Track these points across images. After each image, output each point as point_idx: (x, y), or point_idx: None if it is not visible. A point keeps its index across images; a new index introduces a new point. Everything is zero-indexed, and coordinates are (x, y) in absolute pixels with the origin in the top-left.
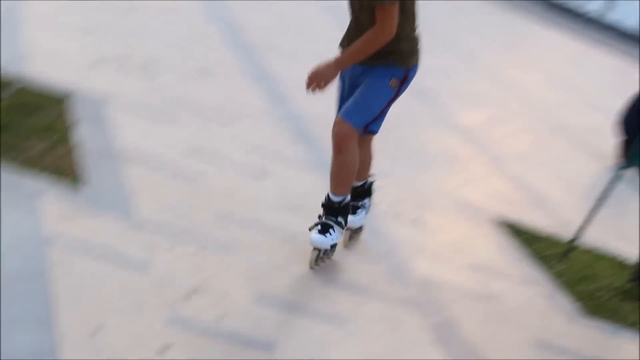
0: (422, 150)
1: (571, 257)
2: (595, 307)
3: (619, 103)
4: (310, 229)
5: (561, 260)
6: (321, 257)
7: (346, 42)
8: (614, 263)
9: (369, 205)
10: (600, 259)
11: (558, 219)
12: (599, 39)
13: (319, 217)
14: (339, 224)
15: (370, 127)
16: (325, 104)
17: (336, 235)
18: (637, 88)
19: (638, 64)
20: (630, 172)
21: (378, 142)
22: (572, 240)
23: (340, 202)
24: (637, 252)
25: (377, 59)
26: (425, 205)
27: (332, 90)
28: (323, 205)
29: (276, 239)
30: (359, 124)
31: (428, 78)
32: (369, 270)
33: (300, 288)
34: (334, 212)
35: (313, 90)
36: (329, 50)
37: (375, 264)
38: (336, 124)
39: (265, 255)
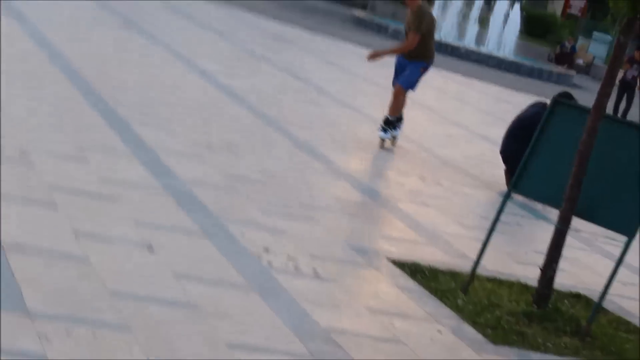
0: (312, 202)
1: (472, 288)
2: (502, 335)
3: (502, 130)
4: (378, 130)
5: (463, 292)
6: (383, 144)
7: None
8: (515, 288)
9: (401, 126)
10: (501, 285)
11: (455, 253)
12: (475, 71)
13: (381, 125)
14: (391, 129)
15: (411, 88)
16: (203, 170)
17: (389, 134)
18: (514, 116)
19: (514, 91)
20: (520, 198)
21: (269, 202)
22: (471, 272)
23: (393, 120)
24: (536, 274)
25: (414, 58)
26: (322, 255)
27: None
28: (384, 120)
29: (174, 312)
30: (405, 87)
31: (308, 128)
32: (270, 327)
33: (205, 353)
34: (390, 124)
35: (370, 60)
36: (203, 117)
37: (274, 320)
38: (395, 86)
39: (163, 330)
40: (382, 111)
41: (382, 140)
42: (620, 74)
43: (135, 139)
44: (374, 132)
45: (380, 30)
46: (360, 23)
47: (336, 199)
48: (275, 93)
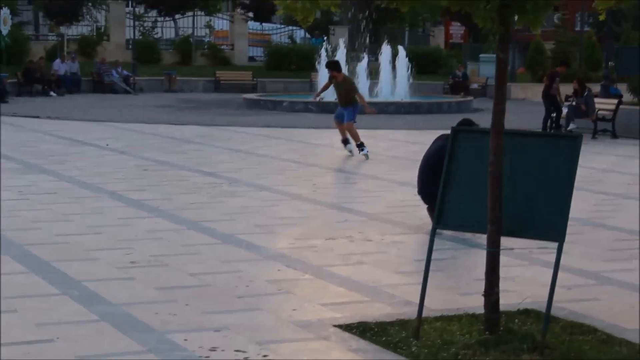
0: (249, 291)
1: (423, 332)
2: None
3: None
4: (359, 151)
5: (415, 339)
6: (368, 157)
7: (342, 101)
8: (465, 320)
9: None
10: (450, 322)
11: (399, 302)
12: (376, 122)
13: (359, 150)
14: (363, 148)
15: (353, 120)
16: (135, 289)
17: (366, 150)
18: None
19: (419, 131)
20: (448, 231)
21: (208, 304)
22: (417, 316)
23: (359, 144)
24: (482, 301)
25: (349, 105)
26: (269, 340)
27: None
28: (357, 146)
29: None
30: (351, 120)
31: (229, 220)
32: None
33: None
34: (360, 146)
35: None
36: (122, 237)
37: None
38: (346, 124)
39: None
40: (296, 185)
41: (366, 155)
42: (543, 88)
43: (59, 275)
44: (293, 208)
45: (275, 106)
46: (254, 105)
47: (272, 282)
48: (188, 195)
